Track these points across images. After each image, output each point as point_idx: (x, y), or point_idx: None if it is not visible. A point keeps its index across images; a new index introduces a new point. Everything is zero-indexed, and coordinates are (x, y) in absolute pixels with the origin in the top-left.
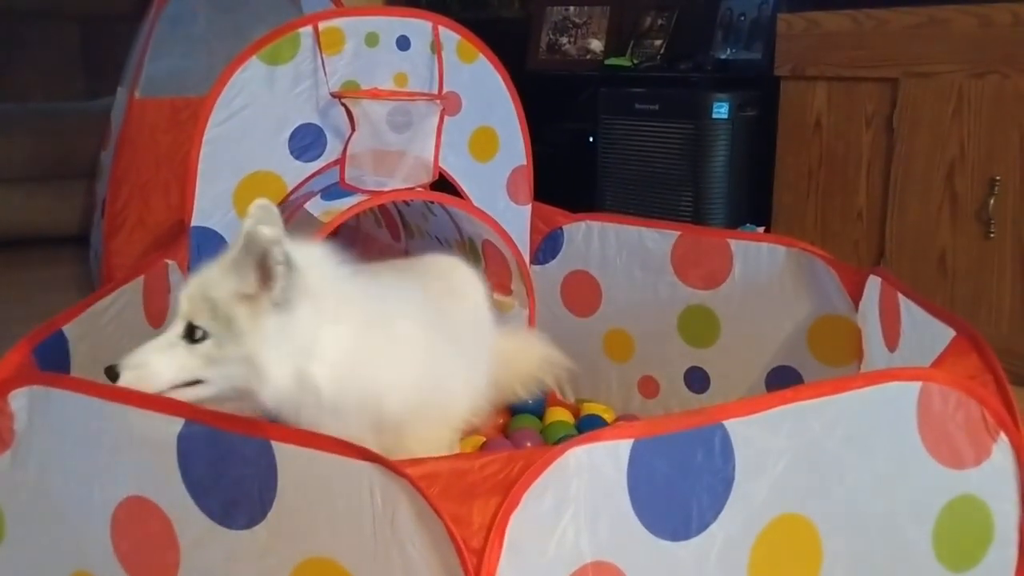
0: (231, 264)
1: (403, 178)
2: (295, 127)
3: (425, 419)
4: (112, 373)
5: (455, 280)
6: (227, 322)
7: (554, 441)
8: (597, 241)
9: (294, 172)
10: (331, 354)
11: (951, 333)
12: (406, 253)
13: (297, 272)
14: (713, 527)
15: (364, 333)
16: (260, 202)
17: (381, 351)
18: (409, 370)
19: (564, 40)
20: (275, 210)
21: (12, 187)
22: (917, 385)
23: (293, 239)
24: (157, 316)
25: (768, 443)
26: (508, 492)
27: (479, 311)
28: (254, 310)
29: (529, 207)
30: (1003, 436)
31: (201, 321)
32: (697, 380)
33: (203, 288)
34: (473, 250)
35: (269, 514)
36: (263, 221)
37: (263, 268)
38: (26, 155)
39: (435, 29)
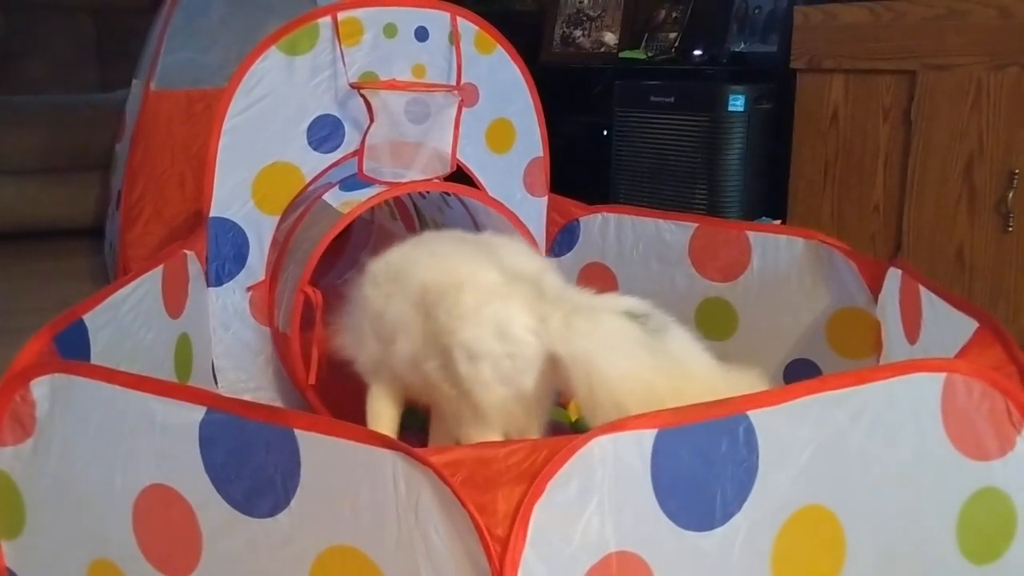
0: None
1: (421, 169)
2: (314, 118)
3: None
4: None
5: None
6: None
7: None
8: (614, 233)
9: (312, 163)
10: None
11: (973, 325)
12: None
13: None
14: (737, 518)
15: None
16: None
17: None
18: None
19: (578, 33)
20: None
21: (27, 179)
22: (942, 376)
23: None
24: (176, 305)
25: (793, 434)
26: (533, 481)
27: None
28: None
29: (545, 199)
30: None
31: None
32: None
33: None
34: None
35: (292, 502)
36: None
37: None
38: (41, 147)
39: (453, 20)
